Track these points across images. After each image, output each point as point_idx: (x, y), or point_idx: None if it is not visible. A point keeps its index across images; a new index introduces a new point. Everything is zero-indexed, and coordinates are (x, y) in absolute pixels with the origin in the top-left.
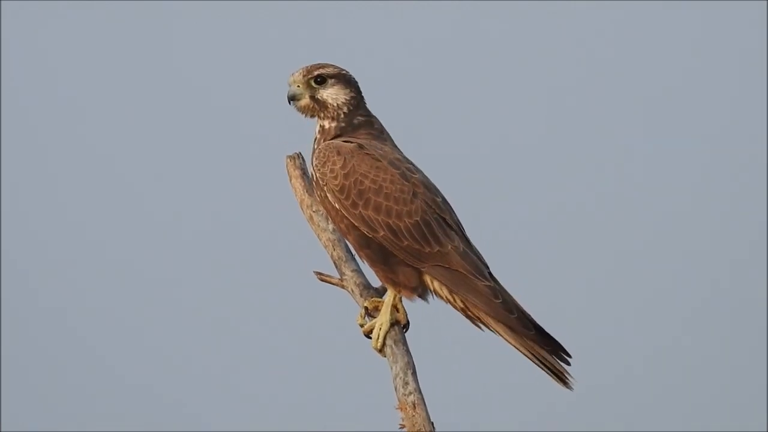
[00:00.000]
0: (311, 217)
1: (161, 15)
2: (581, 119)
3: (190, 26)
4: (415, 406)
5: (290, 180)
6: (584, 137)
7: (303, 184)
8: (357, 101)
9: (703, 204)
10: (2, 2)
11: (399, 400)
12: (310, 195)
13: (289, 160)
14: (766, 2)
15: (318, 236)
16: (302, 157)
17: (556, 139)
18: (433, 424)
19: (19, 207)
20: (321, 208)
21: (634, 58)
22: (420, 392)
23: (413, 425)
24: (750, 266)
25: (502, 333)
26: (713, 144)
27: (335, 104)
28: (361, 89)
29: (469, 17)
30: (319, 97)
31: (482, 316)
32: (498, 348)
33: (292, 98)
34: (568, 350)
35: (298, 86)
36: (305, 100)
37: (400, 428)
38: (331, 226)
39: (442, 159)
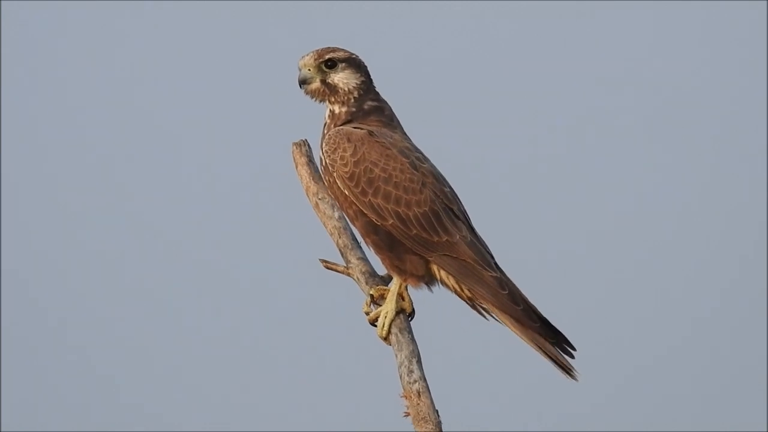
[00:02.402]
0: (317, 205)
1: (166, 6)
2: (590, 124)
3: (194, 16)
4: (419, 394)
5: (296, 167)
6: (587, 140)
7: (309, 171)
8: (367, 86)
9: (710, 208)
10: (2, 2)
11: (404, 388)
12: (316, 182)
13: (295, 147)
14: (766, 2)
15: (324, 224)
16: (308, 144)
17: (557, 143)
18: (437, 412)
19: (18, 212)
20: (327, 196)
21: (637, 67)
22: (425, 380)
23: (418, 413)
24: (751, 270)
25: (508, 324)
26: (717, 149)
27: (346, 89)
28: (371, 74)
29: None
30: (330, 81)
31: (488, 306)
32: (503, 336)
33: (303, 82)
34: (572, 343)
35: (309, 70)
36: (316, 84)
37: (405, 416)
38: (337, 214)
39: (456, 153)
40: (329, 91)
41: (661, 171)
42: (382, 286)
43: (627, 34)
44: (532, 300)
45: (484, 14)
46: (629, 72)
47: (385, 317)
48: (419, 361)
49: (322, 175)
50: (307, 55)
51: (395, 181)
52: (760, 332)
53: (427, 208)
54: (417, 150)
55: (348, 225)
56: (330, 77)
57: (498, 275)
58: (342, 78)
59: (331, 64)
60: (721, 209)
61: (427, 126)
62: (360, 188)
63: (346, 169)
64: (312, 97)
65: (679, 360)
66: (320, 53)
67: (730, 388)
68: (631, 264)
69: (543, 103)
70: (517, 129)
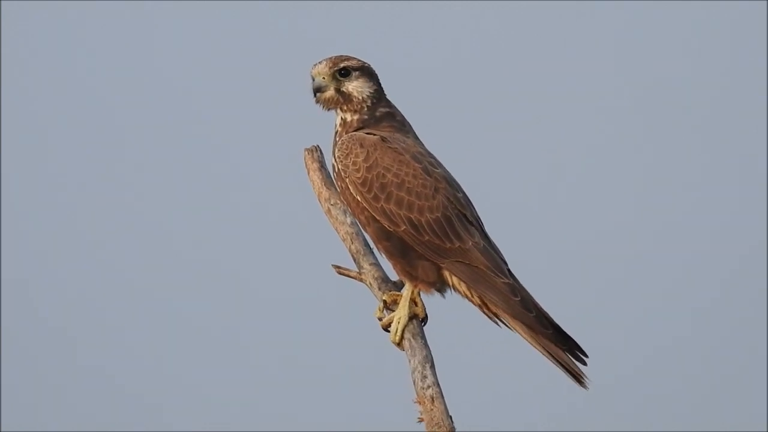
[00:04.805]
0: (329, 210)
1: (177, 8)
2: (589, 123)
3: (202, 20)
4: (433, 400)
5: (308, 173)
6: (584, 139)
7: (321, 176)
8: (379, 94)
9: (708, 204)
10: (2, 2)
11: (417, 394)
12: (328, 188)
13: (307, 152)
14: (766, 2)
15: (336, 229)
16: (320, 150)
17: (557, 142)
18: (451, 417)
19: (19, 212)
20: (339, 201)
21: (634, 59)
22: (438, 386)
23: (431, 419)
24: (751, 267)
25: (520, 330)
26: (715, 145)
27: (360, 97)
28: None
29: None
30: (345, 90)
31: (500, 313)
32: (516, 342)
33: (318, 90)
34: (584, 350)
35: (323, 78)
36: (330, 92)
37: (419, 422)
38: (349, 219)
39: (462, 157)
40: (343, 99)
41: (661, 170)
42: (394, 292)
43: (627, 33)
44: (545, 306)
45: (482, 15)
46: (629, 71)
47: (398, 323)
48: (432, 367)
49: (335, 181)
50: (320, 63)
51: (408, 187)
52: (761, 331)
53: (439, 214)
54: (430, 155)
55: (360, 230)
56: (344, 86)
57: (510, 282)
58: (356, 87)
59: (345, 73)
60: (720, 207)
61: (426, 128)
62: (372, 194)
63: (359, 175)
64: (324, 106)
65: (679, 360)
66: (335, 61)
67: (730, 387)
68: (631, 263)
69: (543, 103)
70: (516, 130)
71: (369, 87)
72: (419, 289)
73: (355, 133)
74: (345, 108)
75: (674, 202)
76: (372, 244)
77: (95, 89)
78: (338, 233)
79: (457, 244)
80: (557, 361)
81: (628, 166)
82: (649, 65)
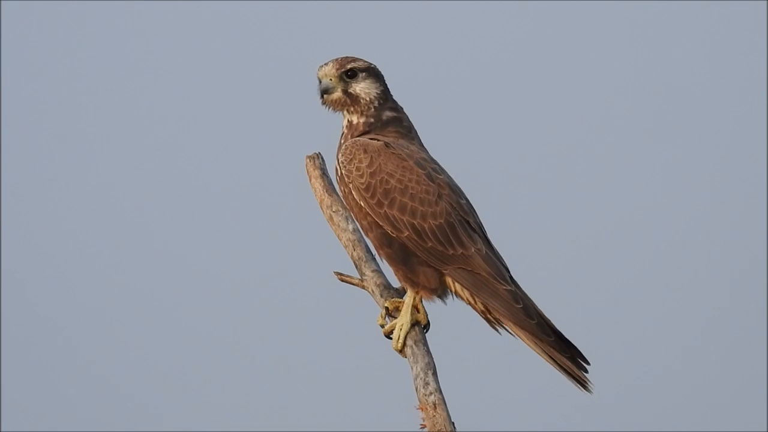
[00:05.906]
0: (331, 218)
1: (177, 9)
2: (593, 128)
3: (203, 23)
4: (435, 407)
5: (310, 180)
6: (594, 146)
7: (323, 184)
8: (385, 95)
9: (712, 212)
10: (2, 2)
11: (420, 401)
12: (330, 195)
13: (308, 160)
14: (766, 2)
15: (338, 236)
16: (322, 157)
17: (564, 145)
18: (453, 424)
19: (19, 213)
20: (341, 208)
21: (642, 66)
22: (441, 392)
23: (434, 425)
24: (750, 278)
25: (522, 337)
26: (720, 151)
27: (367, 98)
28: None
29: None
30: (352, 92)
31: (502, 320)
32: (519, 348)
33: (325, 92)
34: (586, 357)
35: (330, 80)
36: (337, 94)
37: (421, 428)
38: (351, 226)
39: (467, 162)
40: (350, 101)
41: (664, 174)
42: (396, 299)
43: (628, 34)
44: (547, 312)
45: (480, 18)
46: (631, 73)
47: (401, 330)
48: (435, 373)
49: (338, 185)
50: (327, 64)
51: (411, 193)
52: (761, 332)
53: (442, 220)
54: (434, 161)
55: (362, 237)
56: (351, 87)
57: (512, 289)
58: (363, 88)
59: (351, 74)
60: (723, 210)
61: (428, 130)
62: (376, 199)
63: (362, 180)
64: (330, 108)
65: (679, 360)
66: (341, 63)
67: (730, 389)
68: (633, 267)
69: (545, 105)
70: (518, 131)
71: (376, 88)
72: (421, 296)
73: (359, 138)
74: (352, 109)
75: (677, 210)
76: (374, 251)
77: (97, 91)
78: (340, 240)
79: (460, 250)
80: (560, 366)
81: (630, 174)
82: (652, 73)
